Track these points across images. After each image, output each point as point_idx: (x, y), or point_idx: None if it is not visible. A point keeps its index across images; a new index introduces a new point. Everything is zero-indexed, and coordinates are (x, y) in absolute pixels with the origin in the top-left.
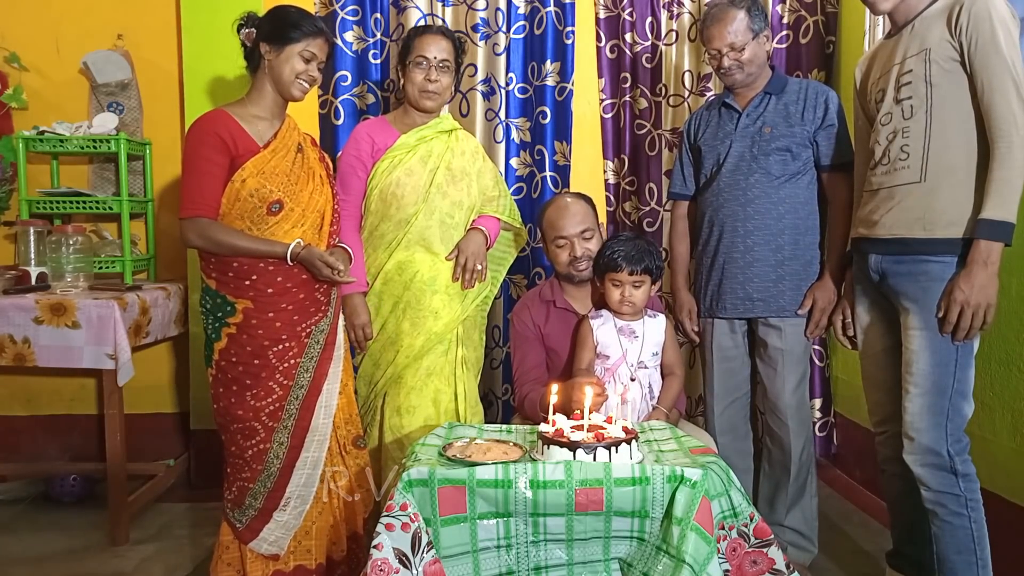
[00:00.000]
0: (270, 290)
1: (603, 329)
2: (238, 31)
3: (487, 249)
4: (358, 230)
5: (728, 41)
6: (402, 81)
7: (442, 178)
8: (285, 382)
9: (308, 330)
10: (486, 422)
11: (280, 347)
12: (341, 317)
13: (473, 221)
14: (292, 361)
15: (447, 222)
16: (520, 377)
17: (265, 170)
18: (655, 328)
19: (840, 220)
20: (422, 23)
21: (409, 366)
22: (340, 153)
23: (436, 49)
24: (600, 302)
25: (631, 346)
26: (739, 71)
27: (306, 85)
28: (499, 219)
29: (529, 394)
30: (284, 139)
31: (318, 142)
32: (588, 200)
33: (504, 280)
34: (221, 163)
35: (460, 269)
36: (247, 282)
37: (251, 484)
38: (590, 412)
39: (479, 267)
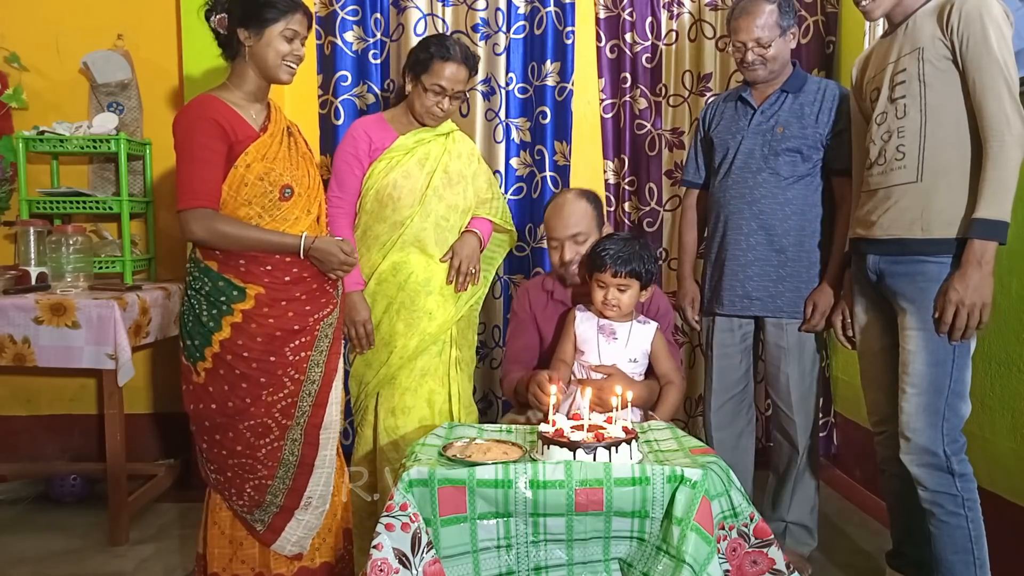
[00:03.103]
0: (287, 278)
1: (584, 324)
2: (207, 18)
3: (481, 251)
4: (353, 228)
5: (755, 36)
6: (408, 87)
7: (439, 181)
8: (297, 376)
9: (319, 322)
10: (486, 422)
11: (295, 340)
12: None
13: (468, 223)
14: (303, 354)
15: (442, 225)
16: (509, 356)
17: (268, 155)
18: (641, 335)
19: (846, 225)
20: (423, 23)
21: (403, 367)
22: (336, 150)
23: (455, 81)
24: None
25: (608, 347)
26: (762, 67)
27: (293, 67)
28: (492, 221)
29: (510, 375)
30: (276, 124)
31: (318, 142)
32: (592, 199)
33: (504, 280)
34: (220, 150)
35: (454, 272)
36: (261, 269)
37: (269, 481)
38: (554, 411)
39: (473, 270)
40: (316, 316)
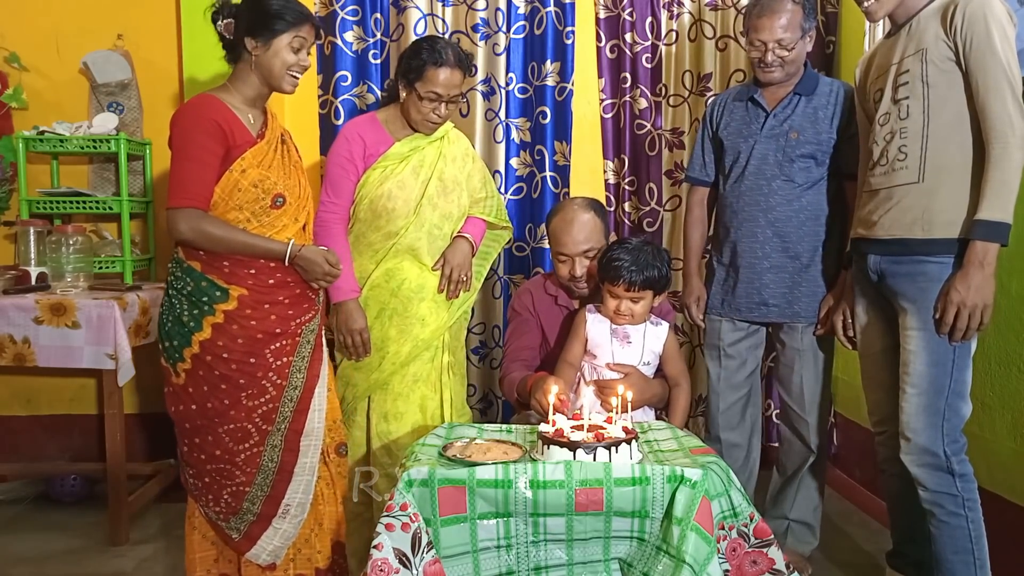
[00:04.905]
0: (271, 281)
1: (597, 327)
2: (213, 21)
3: (472, 256)
4: (347, 234)
5: (777, 36)
6: (402, 94)
7: (434, 190)
8: (279, 381)
9: (300, 327)
10: (486, 422)
11: (276, 344)
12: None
13: (460, 227)
14: (285, 359)
15: (435, 233)
16: (509, 354)
17: (264, 162)
18: (655, 337)
19: None
20: (423, 23)
21: (396, 373)
22: (329, 153)
23: (451, 86)
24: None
25: (622, 351)
26: (780, 69)
27: (297, 76)
28: (485, 220)
29: (511, 374)
30: (273, 131)
31: (318, 142)
32: (598, 209)
33: (504, 280)
34: (217, 152)
35: (446, 280)
36: (246, 271)
37: (247, 488)
38: (554, 413)
39: (464, 277)
40: (298, 320)
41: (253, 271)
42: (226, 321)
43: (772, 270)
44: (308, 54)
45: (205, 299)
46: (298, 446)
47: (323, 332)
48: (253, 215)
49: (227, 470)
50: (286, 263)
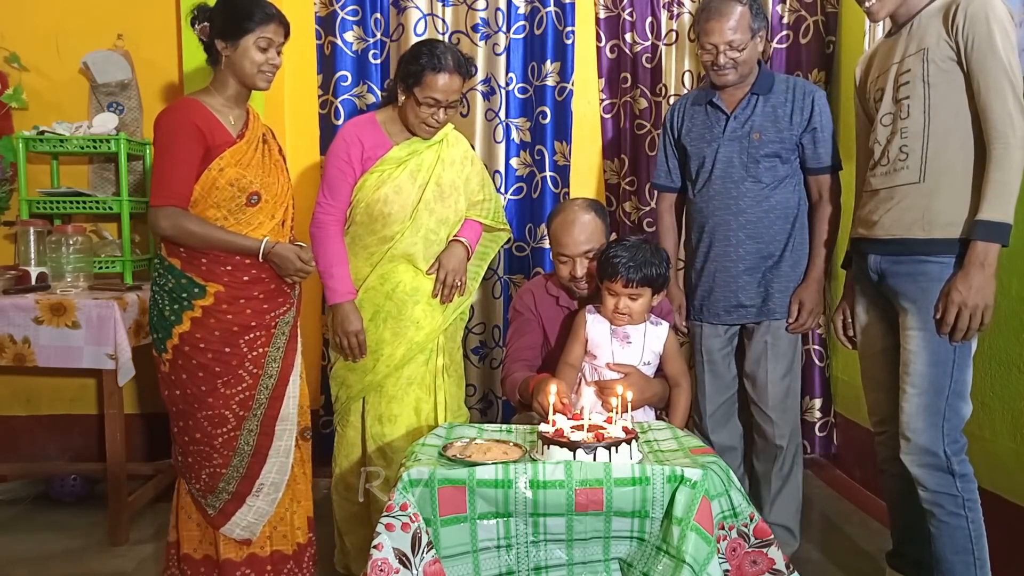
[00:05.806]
0: (245, 277)
1: (596, 327)
2: (192, 25)
3: (468, 260)
4: (343, 235)
5: (728, 38)
6: (400, 98)
7: (431, 194)
8: (254, 371)
9: (275, 320)
10: (486, 422)
11: (250, 335)
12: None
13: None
14: (260, 350)
15: (431, 238)
16: (511, 354)
17: (242, 161)
18: (655, 336)
19: (824, 223)
20: (423, 23)
21: (390, 375)
22: (327, 154)
23: (450, 91)
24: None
25: (622, 351)
26: (732, 71)
27: (270, 75)
28: (482, 223)
29: (514, 374)
30: (253, 130)
31: (318, 142)
32: (599, 210)
33: (504, 280)
34: (197, 152)
35: (440, 285)
36: (222, 268)
37: (223, 470)
38: (553, 412)
39: (459, 282)
40: (273, 314)
41: (229, 268)
42: (204, 315)
43: (747, 272)
44: (279, 53)
45: (185, 295)
46: (273, 430)
47: (301, 326)
48: (230, 212)
49: (206, 452)
50: (260, 259)
